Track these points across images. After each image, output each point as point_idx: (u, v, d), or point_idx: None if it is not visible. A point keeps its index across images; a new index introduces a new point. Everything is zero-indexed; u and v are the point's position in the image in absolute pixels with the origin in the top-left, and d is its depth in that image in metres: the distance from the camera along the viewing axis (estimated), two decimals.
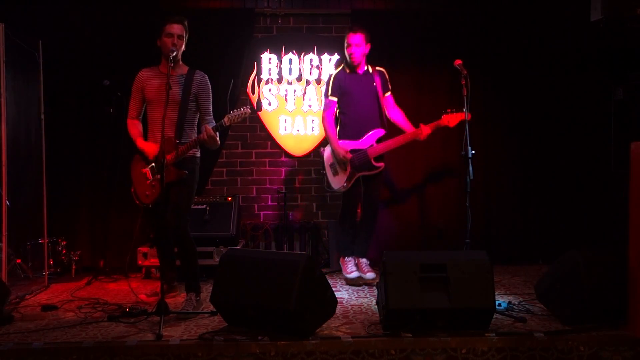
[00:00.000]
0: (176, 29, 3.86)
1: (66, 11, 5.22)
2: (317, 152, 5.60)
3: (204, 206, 5.05)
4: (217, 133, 3.87)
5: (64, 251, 5.05)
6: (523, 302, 3.94)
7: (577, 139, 5.43)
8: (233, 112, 3.82)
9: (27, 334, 3.35)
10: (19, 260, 4.57)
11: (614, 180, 5.19)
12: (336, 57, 5.52)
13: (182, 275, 4.16)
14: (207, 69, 5.23)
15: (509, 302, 3.88)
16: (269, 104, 5.54)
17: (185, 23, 3.92)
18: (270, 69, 5.52)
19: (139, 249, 4.85)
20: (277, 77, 5.53)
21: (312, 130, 5.56)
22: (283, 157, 5.61)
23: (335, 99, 4.53)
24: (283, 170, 5.61)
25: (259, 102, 5.54)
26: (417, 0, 5.45)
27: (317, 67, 5.55)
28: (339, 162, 4.49)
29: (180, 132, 3.88)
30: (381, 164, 4.48)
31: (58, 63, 5.11)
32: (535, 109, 5.44)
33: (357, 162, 4.45)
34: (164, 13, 5.24)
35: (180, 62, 3.97)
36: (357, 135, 4.50)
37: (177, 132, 3.86)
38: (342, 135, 4.56)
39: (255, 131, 5.58)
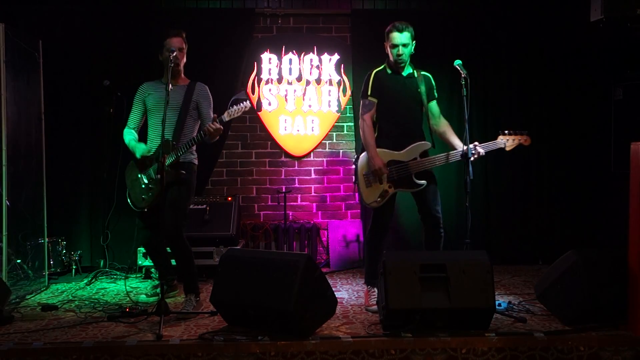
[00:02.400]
0: (175, 42, 3.92)
1: (66, 11, 5.23)
2: (317, 152, 5.60)
3: (204, 206, 5.05)
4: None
5: (64, 251, 5.05)
6: (523, 302, 3.94)
7: (576, 139, 5.43)
8: (232, 107, 3.84)
9: (27, 334, 3.35)
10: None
11: (614, 180, 5.19)
12: (336, 57, 5.53)
13: (179, 276, 4.16)
14: (207, 69, 5.30)
15: (509, 302, 3.88)
16: (269, 104, 5.54)
17: (184, 35, 3.99)
18: (270, 69, 5.52)
19: (139, 249, 4.85)
20: (277, 77, 5.53)
21: (312, 130, 5.56)
22: (283, 157, 5.62)
23: (376, 101, 3.96)
24: (283, 170, 5.61)
25: (259, 102, 5.54)
26: (417, 0, 5.45)
27: (317, 67, 5.55)
28: (374, 174, 3.92)
29: (178, 135, 3.91)
30: (423, 182, 3.92)
31: (58, 63, 5.11)
32: (535, 108, 5.44)
33: (396, 176, 3.92)
34: (164, 13, 5.29)
35: (182, 75, 4.05)
36: (398, 146, 3.95)
37: (175, 135, 3.90)
38: (380, 144, 3.96)
39: (255, 131, 5.58)
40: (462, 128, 3.89)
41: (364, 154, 4.03)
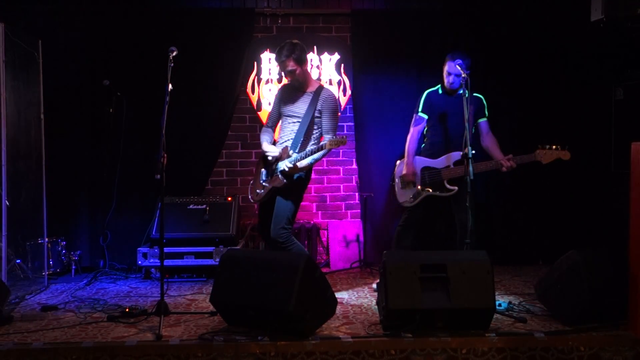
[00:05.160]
0: (283, 67, 4.07)
1: (66, 11, 5.22)
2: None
3: (204, 206, 5.05)
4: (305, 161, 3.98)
5: (64, 251, 5.05)
6: (523, 302, 3.94)
7: (577, 139, 5.41)
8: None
9: (27, 334, 3.35)
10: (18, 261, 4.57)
11: (614, 180, 5.19)
12: (336, 56, 5.53)
13: None
14: (207, 69, 5.30)
15: (509, 302, 3.89)
16: (269, 103, 5.53)
17: (283, 56, 4.01)
18: (270, 69, 5.52)
19: (138, 249, 4.85)
20: (277, 77, 5.53)
21: None
22: None
23: (425, 116, 4.47)
24: None
25: (259, 102, 5.54)
26: (417, 0, 5.44)
27: (317, 67, 5.54)
28: (404, 178, 4.47)
29: (296, 145, 4.04)
30: (454, 187, 4.31)
31: (58, 63, 5.11)
32: (535, 108, 5.44)
33: (429, 180, 4.39)
34: (164, 13, 5.29)
35: (309, 81, 4.17)
36: (437, 155, 4.43)
37: (294, 144, 4.05)
38: (423, 152, 4.53)
39: (255, 131, 5.57)
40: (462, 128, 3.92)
41: (403, 159, 4.53)
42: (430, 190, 4.38)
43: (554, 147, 4.18)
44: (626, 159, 3.41)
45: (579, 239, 5.23)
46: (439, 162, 4.39)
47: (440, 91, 4.48)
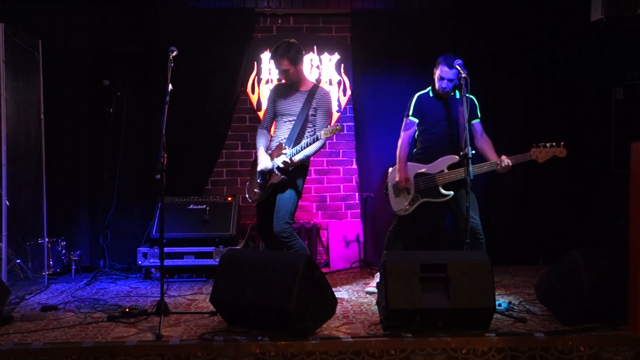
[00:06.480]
0: (278, 67, 4.17)
1: (66, 11, 5.22)
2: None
3: (204, 206, 5.05)
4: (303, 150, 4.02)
5: (64, 251, 5.05)
6: (523, 302, 3.95)
7: (577, 139, 5.42)
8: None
9: (27, 334, 3.35)
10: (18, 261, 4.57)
11: (614, 180, 5.19)
12: (336, 56, 5.52)
13: None
14: (207, 69, 5.30)
15: (509, 302, 3.89)
16: None
17: (278, 55, 4.13)
18: (270, 69, 5.52)
19: (139, 249, 4.85)
20: (277, 76, 5.52)
21: None
22: None
23: (416, 120, 4.34)
24: None
25: (258, 102, 5.54)
26: (417, 0, 5.44)
27: (317, 67, 5.54)
28: (399, 186, 4.33)
29: (290, 142, 4.09)
30: (450, 192, 4.22)
31: (58, 63, 5.11)
32: (535, 108, 5.44)
33: (423, 186, 4.27)
34: (164, 12, 5.29)
35: (304, 81, 4.21)
36: (430, 160, 4.30)
37: (288, 140, 4.10)
38: (415, 158, 4.40)
39: (255, 131, 5.54)
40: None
41: (395, 166, 4.40)
42: (426, 198, 4.28)
43: (548, 145, 4.10)
44: (626, 159, 3.41)
45: (579, 239, 5.24)
46: (433, 168, 4.28)
47: (431, 94, 4.36)
